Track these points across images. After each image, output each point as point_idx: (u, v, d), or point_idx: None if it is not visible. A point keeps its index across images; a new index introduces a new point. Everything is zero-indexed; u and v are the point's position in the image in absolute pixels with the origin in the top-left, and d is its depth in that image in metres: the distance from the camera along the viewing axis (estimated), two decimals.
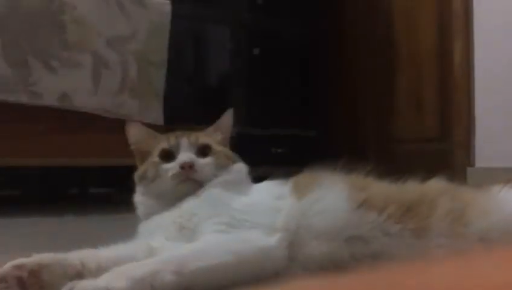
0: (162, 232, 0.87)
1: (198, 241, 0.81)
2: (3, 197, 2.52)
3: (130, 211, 1.00)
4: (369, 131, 3.12)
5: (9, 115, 1.89)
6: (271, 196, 0.90)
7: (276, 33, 3.26)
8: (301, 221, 0.83)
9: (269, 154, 3.03)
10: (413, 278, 0.32)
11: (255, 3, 3.17)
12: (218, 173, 0.96)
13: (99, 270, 0.74)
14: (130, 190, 1.01)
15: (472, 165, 2.56)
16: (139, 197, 0.99)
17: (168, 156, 0.97)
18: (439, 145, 2.73)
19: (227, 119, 1.07)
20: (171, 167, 0.94)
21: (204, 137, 1.01)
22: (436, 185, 0.90)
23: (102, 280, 0.66)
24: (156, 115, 2.23)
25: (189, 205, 0.90)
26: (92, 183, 2.80)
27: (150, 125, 1.10)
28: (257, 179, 1.00)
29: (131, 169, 1.03)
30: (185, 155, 0.95)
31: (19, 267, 0.71)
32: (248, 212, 0.85)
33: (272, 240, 0.79)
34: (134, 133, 1.04)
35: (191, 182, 0.93)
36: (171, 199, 0.93)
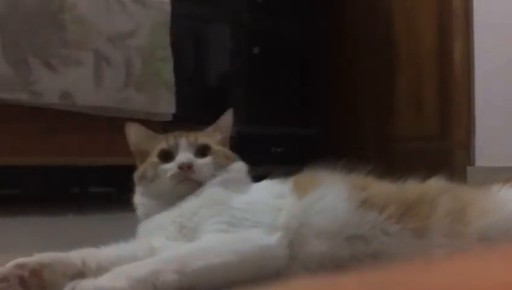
0: (162, 231, 0.87)
1: (199, 241, 0.81)
2: (3, 197, 2.52)
3: (130, 210, 1.00)
4: (369, 131, 3.12)
5: (9, 114, 1.89)
6: (271, 194, 0.90)
7: (276, 33, 3.26)
8: (302, 220, 0.83)
9: (269, 153, 3.03)
10: (414, 277, 0.32)
11: (255, 2, 3.17)
12: (217, 173, 0.96)
13: (100, 270, 0.74)
14: (130, 189, 1.01)
15: (472, 164, 2.56)
16: (139, 198, 0.99)
17: (167, 156, 0.97)
18: (439, 145, 2.73)
19: (227, 119, 1.07)
20: (170, 168, 0.94)
21: (203, 137, 1.01)
22: (436, 184, 0.90)
23: (104, 280, 0.66)
24: (169, 108, 2.24)
25: (189, 204, 0.90)
26: (92, 182, 2.80)
27: (150, 126, 1.10)
28: (257, 178, 1.00)
29: (132, 168, 1.03)
30: (184, 155, 0.95)
31: (20, 266, 0.71)
32: (248, 211, 0.86)
33: (272, 239, 0.79)
34: (134, 133, 1.04)
35: (189, 182, 0.94)
36: (170, 199, 0.93)
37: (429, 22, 2.83)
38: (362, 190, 0.86)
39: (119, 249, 0.83)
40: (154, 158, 0.97)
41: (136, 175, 1.00)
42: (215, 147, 1.00)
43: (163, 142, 0.99)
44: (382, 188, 0.89)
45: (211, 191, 0.92)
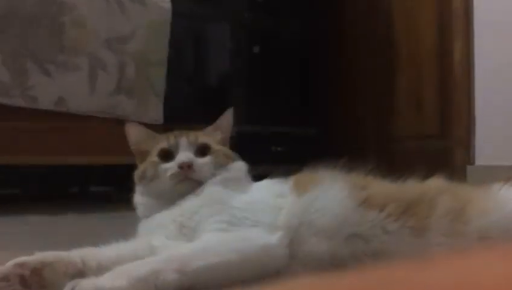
0: (162, 231, 0.87)
1: (199, 240, 0.81)
2: (3, 196, 2.52)
3: (130, 209, 1.00)
4: (369, 131, 3.12)
5: (9, 113, 1.89)
6: (271, 194, 0.90)
7: (276, 33, 3.26)
8: (302, 218, 0.83)
9: (269, 152, 3.03)
10: (413, 276, 0.32)
11: (255, 2, 3.17)
12: (217, 172, 0.96)
13: (100, 269, 0.74)
14: (130, 188, 1.01)
15: (472, 163, 2.56)
16: (139, 197, 0.99)
17: (167, 155, 0.97)
18: (439, 144, 2.73)
19: (227, 118, 1.07)
20: (170, 167, 0.95)
21: (203, 136, 1.01)
22: (436, 183, 0.90)
23: (104, 279, 0.66)
24: (156, 115, 2.23)
25: (190, 203, 0.90)
26: (92, 181, 2.80)
27: (149, 125, 1.10)
28: (257, 177, 1.00)
29: (132, 167, 1.03)
30: (184, 155, 0.95)
31: (21, 265, 0.71)
32: (248, 210, 0.86)
33: (273, 238, 0.80)
34: (134, 133, 1.04)
35: (189, 181, 0.94)
36: (170, 199, 0.93)
37: (429, 22, 2.83)
38: (362, 189, 0.86)
39: (119, 249, 0.83)
40: (154, 157, 0.97)
41: (136, 174, 1.00)
42: (215, 146, 1.00)
43: (163, 142, 0.99)
44: (382, 187, 0.89)
45: (211, 190, 0.92)
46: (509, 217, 0.82)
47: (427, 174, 0.91)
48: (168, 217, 0.89)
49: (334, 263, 0.80)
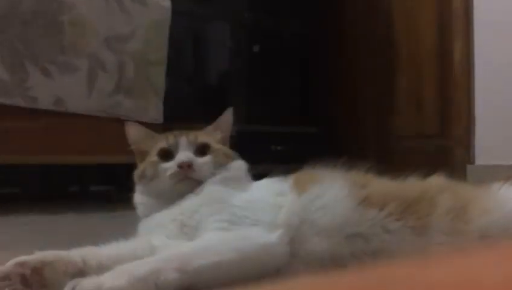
0: (162, 230, 0.87)
1: (199, 239, 0.81)
2: (3, 195, 2.52)
3: (130, 208, 1.00)
4: (369, 130, 3.12)
5: (8, 113, 1.89)
6: (271, 192, 0.90)
7: (276, 32, 3.26)
8: (302, 217, 0.83)
9: (269, 151, 3.03)
10: (414, 275, 0.32)
11: (255, 1, 3.17)
12: (217, 172, 0.96)
13: (100, 268, 0.74)
14: (130, 188, 1.01)
15: (472, 162, 2.56)
16: (138, 197, 0.99)
17: (166, 155, 0.97)
18: (439, 143, 2.74)
19: (227, 118, 1.07)
20: (170, 166, 0.95)
21: (203, 136, 1.01)
22: (437, 182, 0.90)
23: (105, 278, 0.66)
24: (155, 114, 2.23)
25: (190, 202, 0.90)
26: (92, 181, 2.80)
27: (148, 125, 1.10)
28: (257, 176, 1.00)
29: (131, 167, 1.03)
30: (183, 154, 0.95)
31: (21, 264, 0.71)
32: (249, 209, 0.86)
33: (273, 237, 0.79)
34: (134, 133, 1.04)
35: (189, 181, 0.94)
36: (170, 198, 0.93)
37: (429, 22, 2.83)
38: (362, 188, 0.86)
39: (119, 248, 0.83)
40: (154, 157, 0.97)
41: (136, 174, 1.00)
42: (215, 145, 1.00)
43: (163, 141, 0.99)
44: (382, 185, 0.89)
45: (211, 190, 0.92)
46: (509, 216, 0.82)
47: (427, 173, 0.91)
48: (168, 216, 0.89)
49: (334, 262, 0.80)
